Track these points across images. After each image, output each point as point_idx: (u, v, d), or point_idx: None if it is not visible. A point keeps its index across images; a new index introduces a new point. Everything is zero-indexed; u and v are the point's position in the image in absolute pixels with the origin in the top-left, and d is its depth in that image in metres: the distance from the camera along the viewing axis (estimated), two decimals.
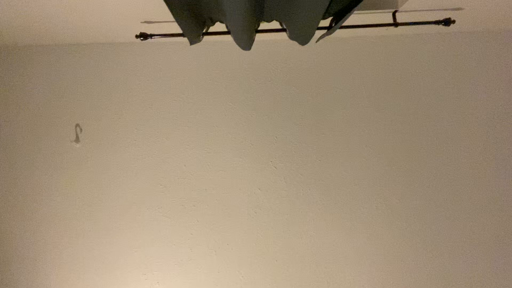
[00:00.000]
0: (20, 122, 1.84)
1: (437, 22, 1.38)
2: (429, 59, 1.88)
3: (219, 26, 1.27)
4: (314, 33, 1.07)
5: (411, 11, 1.49)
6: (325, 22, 1.27)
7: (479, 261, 1.85)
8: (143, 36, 1.41)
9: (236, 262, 1.83)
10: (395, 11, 1.39)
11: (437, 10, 1.50)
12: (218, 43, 1.87)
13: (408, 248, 1.85)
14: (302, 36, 1.14)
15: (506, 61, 1.87)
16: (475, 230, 1.85)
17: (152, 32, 1.45)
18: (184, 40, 1.65)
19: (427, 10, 1.49)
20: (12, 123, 1.84)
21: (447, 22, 1.37)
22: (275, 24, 1.30)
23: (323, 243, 1.85)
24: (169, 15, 1.39)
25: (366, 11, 1.39)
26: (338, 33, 1.77)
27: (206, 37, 1.31)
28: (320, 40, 1.81)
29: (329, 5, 0.97)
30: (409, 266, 1.85)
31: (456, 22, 1.43)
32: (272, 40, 1.86)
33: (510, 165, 1.86)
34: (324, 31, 1.21)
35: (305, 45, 1.84)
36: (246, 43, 1.21)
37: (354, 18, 1.46)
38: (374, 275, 1.85)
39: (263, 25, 1.42)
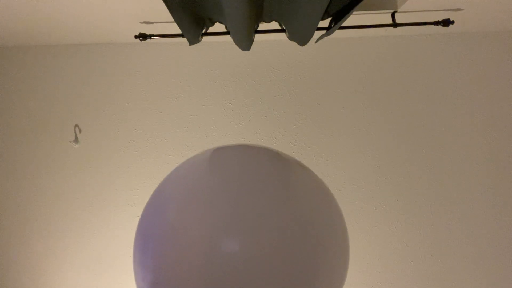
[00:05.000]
0: (19, 123, 1.84)
1: (436, 23, 1.38)
2: (428, 60, 1.88)
3: (218, 27, 1.27)
4: (313, 33, 1.07)
5: (410, 11, 1.49)
6: (324, 23, 1.27)
7: (479, 261, 1.85)
8: (142, 36, 1.41)
9: None
10: (394, 12, 1.39)
11: (436, 10, 1.50)
12: (218, 44, 1.87)
13: (407, 248, 1.85)
14: (301, 37, 1.14)
15: (505, 62, 1.88)
16: (475, 229, 1.85)
17: (151, 33, 1.45)
18: (184, 40, 1.65)
19: (426, 10, 1.49)
20: (11, 123, 1.84)
21: (446, 22, 1.37)
22: (274, 25, 1.30)
23: None
24: (168, 16, 1.39)
25: (365, 12, 1.39)
26: (337, 33, 1.77)
27: (205, 38, 1.31)
28: (319, 41, 1.81)
29: (328, 5, 0.97)
30: (409, 266, 1.85)
31: (455, 23, 1.43)
32: (271, 41, 1.86)
33: (510, 165, 1.86)
34: (323, 31, 1.21)
35: (304, 46, 1.84)
36: (245, 43, 1.21)
37: (353, 18, 1.46)
38: (373, 275, 1.85)
39: (262, 26, 1.42)
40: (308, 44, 1.20)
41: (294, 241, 0.54)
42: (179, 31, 1.55)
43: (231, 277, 0.51)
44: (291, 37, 1.22)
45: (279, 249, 0.52)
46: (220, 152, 0.69)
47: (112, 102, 1.85)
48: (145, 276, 0.60)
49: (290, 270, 0.53)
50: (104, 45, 1.86)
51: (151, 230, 0.61)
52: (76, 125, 1.85)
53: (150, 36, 1.42)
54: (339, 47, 1.88)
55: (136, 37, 1.42)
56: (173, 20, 0.98)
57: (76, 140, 1.83)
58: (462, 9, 1.51)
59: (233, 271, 0.52)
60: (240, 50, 1.90)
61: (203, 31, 1.21)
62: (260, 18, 1.10)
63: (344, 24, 1.44)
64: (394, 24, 1.38)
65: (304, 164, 0.72)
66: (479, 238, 1.85)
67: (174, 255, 0.56)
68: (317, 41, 1.33)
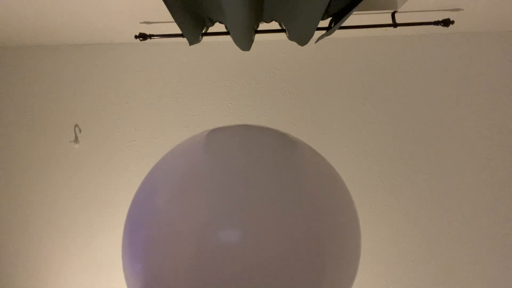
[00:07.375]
0: (19, 122, 1.84)
1: (436, 23, 1.38)
2: (428, 60, 1.88)
3: (218, 27, 1.27)
4: (313, 33, 1.07)
5: (410, 11, 1.49)
6: (324, 23, 1.27)
7: (479, 261, 1.85)
8: (142, 36, 1.41)
9: None
10: (394, 12, 1.39)
11: (437, 10, 1.50)
12: (218, 43, 1.86)
13: (407, 248, 1.85)
14: (301, 37, 1.14)
15: (505, 62, 1.88)
16: (475, 229, 1.85)
17: (151, 33, 1.45)
18: (184, 40, 1.65)
19: (427, 10, 1.49)
20: (11, 123, 1.84)
21: (446, 22, 1.37)
22: (274, 25, 1.30)
23: None
24: (168, 16, 1.39)
25: (365, 12, 1.39)
26: (337, 33, 1.77)
27: (205, 38, 1.31)
28: (319, 41, 1.81)
29: (328, 5, 0.97)
30: (409, 266, 1.85)
31: (455, 23, 1.43)
32: (271, 41, 1.86)
33: (510, 165, 1.86)
34: (323, 31, 1.21)
35: (304, 46, 1.84)
36: (245, 43, 1.21)
37: (353, 18, 1.46)
38: (373, 275, 1.85)
39: (263, 26, 1.42)
40: (308, 44, 1.20)
41: (302, 232, 0.47)
42: (179, 31, 1.55)
43: (227, 271, 0.46)
44: (291, 37, 1.22)
45: (284, 241, 0.46)
46: (218, 133, 0.62)
47: (112, 102, 1.85)
48: (134, 267, 0.55)
49: (297, 268, 0.46)
50: (103, 45, 1.86)
51: (141, 219, 0.56)
52: (76, 125, 1.85)
53: (150, 36, 1.42)
54: (339, 47, 1.88)
55: (136, 37, 1.42)
56: (173, 20, 0.98)
57: (76, 140, 1.83)
58: (462, 9, 1.51)
59: (230, 264, 0.46)
60: (240, 50, 1.90)
61: (203, 31, 1.21)
62: (260, 18, 1.10)
63: (344, 24, 1.44)
64: (394, 24, 1.38)
65: (313, 148, 0.66)
66: (479, 238, 1.85)
67: (165, 245, 0.50)
68: (317, 41, 1.33)
